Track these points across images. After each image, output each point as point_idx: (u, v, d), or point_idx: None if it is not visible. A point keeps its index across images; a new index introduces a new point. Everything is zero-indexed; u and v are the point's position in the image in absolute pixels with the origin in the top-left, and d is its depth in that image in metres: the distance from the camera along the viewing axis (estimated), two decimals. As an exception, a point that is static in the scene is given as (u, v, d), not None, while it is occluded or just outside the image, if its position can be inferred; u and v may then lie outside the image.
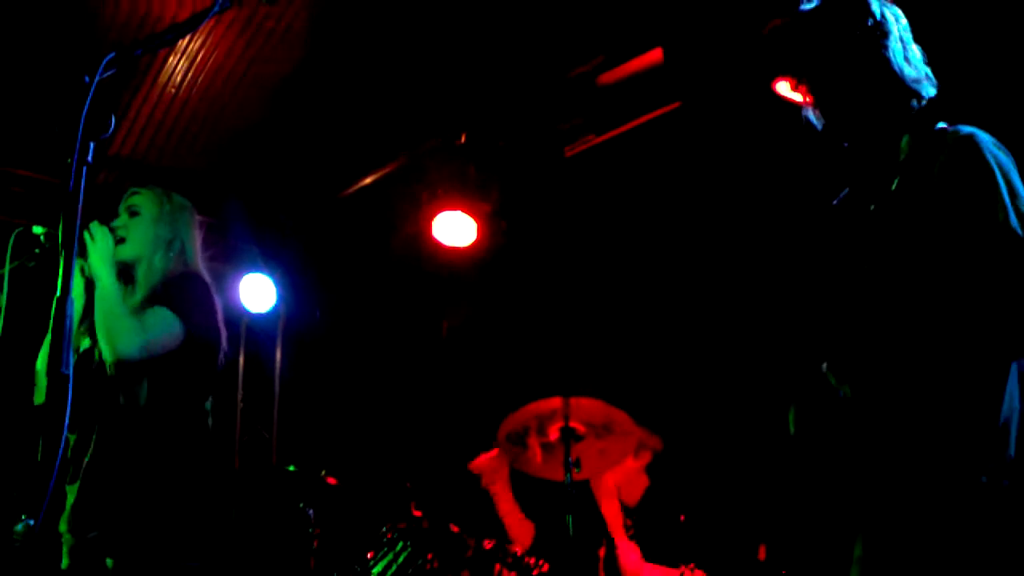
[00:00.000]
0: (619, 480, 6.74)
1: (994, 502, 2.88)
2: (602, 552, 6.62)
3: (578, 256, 8.04)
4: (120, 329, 4.35)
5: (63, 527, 4.42)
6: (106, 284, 4.42)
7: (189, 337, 4.51)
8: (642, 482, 6.70)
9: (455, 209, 7.70)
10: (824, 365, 2.85)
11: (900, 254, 3.04)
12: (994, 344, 2.94)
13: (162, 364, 4.46)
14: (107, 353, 4.38)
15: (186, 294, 4.60)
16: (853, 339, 2.85)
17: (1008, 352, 2.96)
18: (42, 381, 4.48)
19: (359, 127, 7.65)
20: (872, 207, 3.25)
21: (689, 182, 7.23)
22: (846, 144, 3.42)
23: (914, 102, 3.33)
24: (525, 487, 6.61)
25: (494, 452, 6.58)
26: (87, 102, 2.57)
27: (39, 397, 4.48)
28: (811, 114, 3.43)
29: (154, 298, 4.57)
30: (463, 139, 7.50)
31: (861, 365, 2.84)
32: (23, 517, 6.12)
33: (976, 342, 2.92)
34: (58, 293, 2.48)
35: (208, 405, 4.68)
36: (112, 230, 4.61)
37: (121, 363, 4.38)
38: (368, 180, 8.09)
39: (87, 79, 2.61)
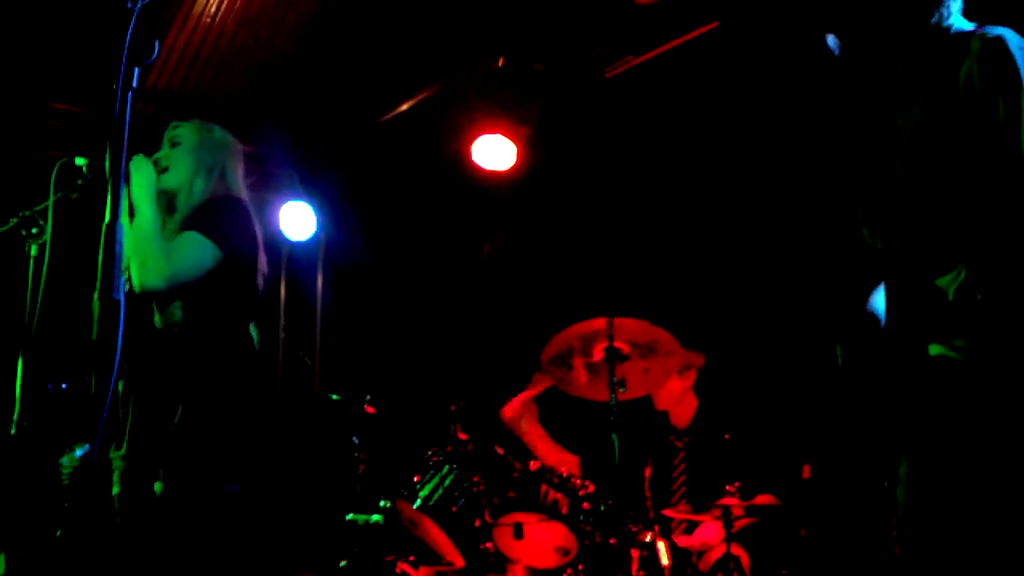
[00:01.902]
0: (668, 403, 6.76)
1: None
2: (647, 472, 6.65)
3: (618, 177, 8.01)
4: (148, 259, 4.36)
5: (113, 453, 4.47)
6: (144, 215, 4.44)
7: (226, 260, 4.53)
8: (691, 402, 6.72)
9: (494, 133, 7.67)
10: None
11: (929, 172, 2.97)
12: None
13: (198, 286, 4.49)
14: (134, 281, 4.41)
15: (223, 217, 4.60)
16: (886, 194, 2.79)
17: None
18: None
19: (397, 52, 7.61)
20: (899, 122, 3.15)
21: (729, 101, 7.18)
22: (868, 66, 3.29)
23: (940, 11, 3.13)
24: (570, 408, 6.63)
25: (520, 398, 6.61)
26: (131, 26, 2.57)
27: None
28: (831, 39, 3.31)
29: (190, 222, 4.57)
30: (501, 62, 7.45)
31: (894, 220, 2.79)
32: (67, 449, 6.19)
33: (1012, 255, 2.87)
34: (107, 219, 2.49)
35: (253, 331, 4.71)
36: (155, 162, 4.64)
37: (146, 292, 4.42)
38: (406, 105, 8.06)
39: (129, 4, 2.60)
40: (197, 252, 4.47)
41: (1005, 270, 2.84)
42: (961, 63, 2.99)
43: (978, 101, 2.92)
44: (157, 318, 4.56)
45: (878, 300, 3.26)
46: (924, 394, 2.98)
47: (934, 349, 2.94)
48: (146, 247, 4.38)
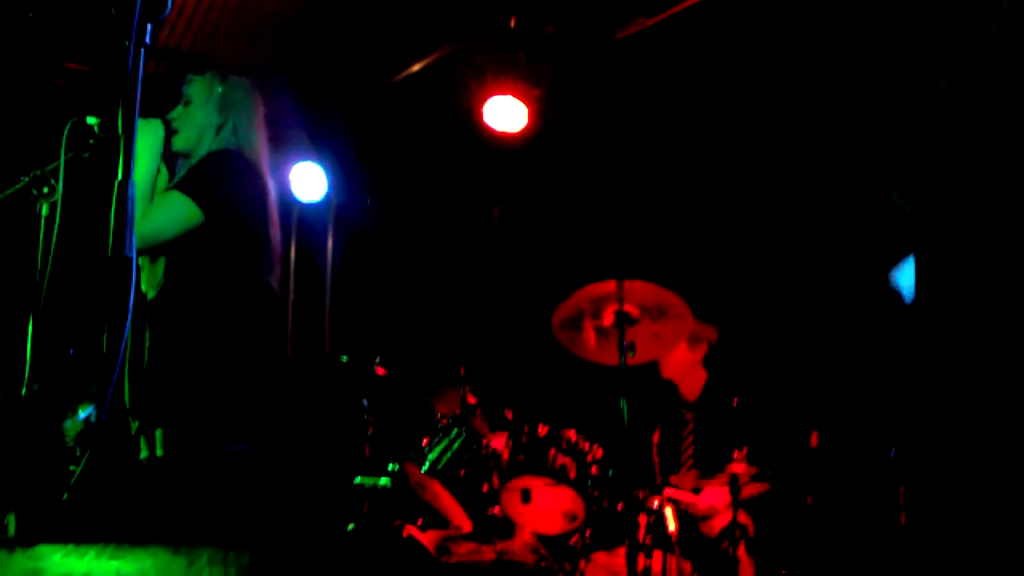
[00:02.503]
0: (677, 373, 6.74)
1: None
2: (656, 438, 6.65)
3: (630, 139, 7.98)
4: None
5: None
6: (137, 177, 4.41)
7: (216, 219, 4.48)
8: (701, 376, 6.69)
9: (506, 94, 7.65)
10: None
11: (962, 133, 2.96)
12: None
13: (182, 246, 4.47)
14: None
15: (215, 176, 4.56)
16: (918, 156, 2.78)
17: None
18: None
19: (409, 12, 7.58)
20: (932, 82, 3.13)
21: (742, 63, 7.14)
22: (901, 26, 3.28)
23: None
24: (581, 372, 6.62)
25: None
26: (144, -18, 2.55)
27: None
28: None
29: (182, 181, 4.55)
30: (513, 23, 7.42)
31: (926, 182, 2.79)
32: (70, 412, 6.18)
33: None
34: (119, 176, 2.47)
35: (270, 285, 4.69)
36: (169, 122, 4.61)
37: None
38: (418, 66, 8.03)
39: (141, -40, 2.58)
40: (172, 213, 4.43)
41: None
42: (992, 19, 2.96)
43: (1009, 60, 2.89)
44: (144, 278, 4.53)
45: (907, 270, 3.26)
46: (952, 366, 2.97)
47: None
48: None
